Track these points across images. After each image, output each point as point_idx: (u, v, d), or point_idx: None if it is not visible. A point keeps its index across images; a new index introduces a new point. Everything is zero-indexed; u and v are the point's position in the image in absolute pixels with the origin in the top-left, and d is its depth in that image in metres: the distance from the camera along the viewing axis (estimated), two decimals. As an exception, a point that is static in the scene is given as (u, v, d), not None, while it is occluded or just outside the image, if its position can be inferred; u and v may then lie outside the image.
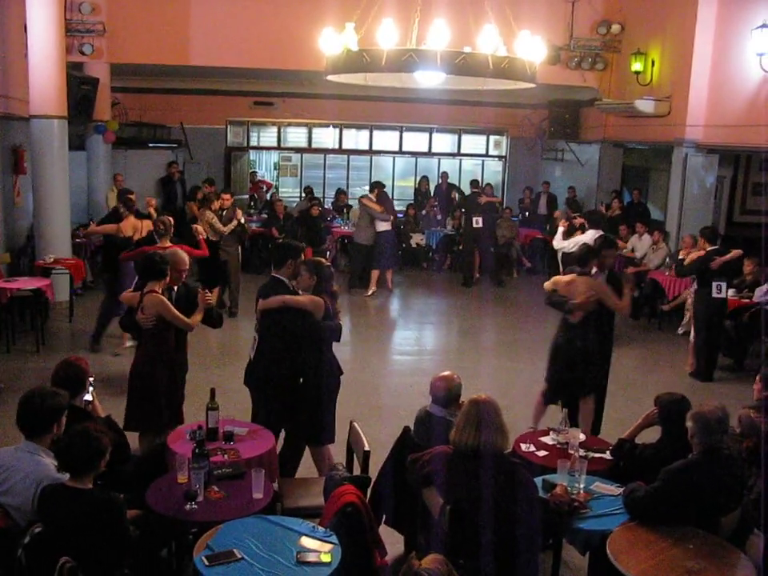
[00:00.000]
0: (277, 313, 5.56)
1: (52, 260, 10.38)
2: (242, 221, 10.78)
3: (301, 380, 5.71)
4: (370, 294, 12.99)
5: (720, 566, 3.78)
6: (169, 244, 7.70)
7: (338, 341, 5.88)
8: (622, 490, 4.40)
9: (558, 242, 10.56)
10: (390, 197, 14.04)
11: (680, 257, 10.61)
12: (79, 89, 11.78)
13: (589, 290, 6.51)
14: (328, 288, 5.79)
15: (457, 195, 16.50)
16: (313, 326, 5.57)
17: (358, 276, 13.24)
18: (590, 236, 10.02)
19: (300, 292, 5.67)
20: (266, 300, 5.62)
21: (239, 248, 11.23)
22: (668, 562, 3.77)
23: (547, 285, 6.97)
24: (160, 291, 5.68)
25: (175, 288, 5.97)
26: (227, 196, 10.87)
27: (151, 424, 5.65)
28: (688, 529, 4.03)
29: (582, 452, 4.94)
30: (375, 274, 13.04)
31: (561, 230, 10.56)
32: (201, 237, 8.78)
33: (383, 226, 12.85)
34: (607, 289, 6.63)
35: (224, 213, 10.61)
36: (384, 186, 13.50)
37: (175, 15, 12.53)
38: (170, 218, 8.21)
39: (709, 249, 9.13)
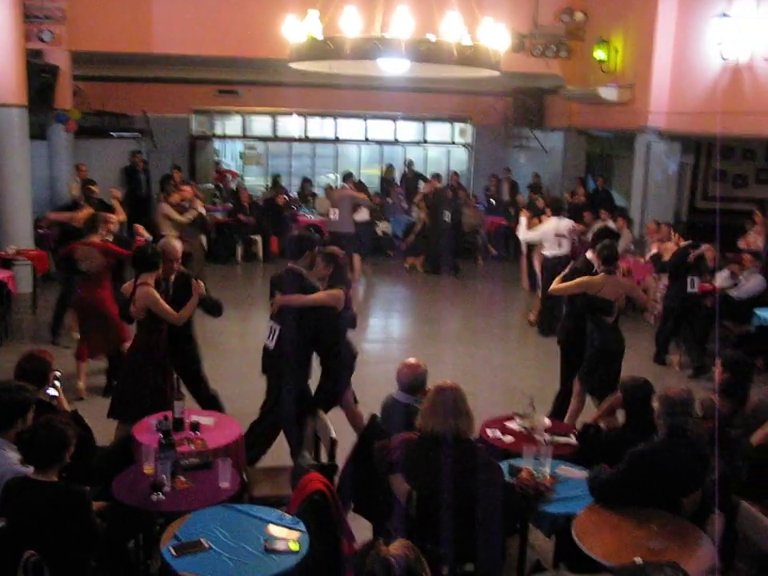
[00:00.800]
0: (297, 308, 5.71)
1: (14, 251, 10.22)
2: (203, 211, 10.70)
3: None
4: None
5: (682, 546, 3.85)
6: (96, 240, 7.46)
7: (354, 328, 6.05)
8: (586, 473, 4.46)
9: (523, 234, 10.61)
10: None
11: (653, 251, 10.75)
12: (39, 77, 11.55)
13: (622, 289, 6.62)
14: (343, 277, 5.95)
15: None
16: (331, 318, 5.72)
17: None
18: (553, 224, 10.11)
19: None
20: (286, 297, 5.74)
21: (202, 239, 11.15)
22: (632, 542, 3.83)
23: (564, 286, 6.76)
24: (153, 283, 5.74)
25: (172, 278, 6.05)
26: (187, 188, 10.78)
27: (134, 413, 5.56)
28: (651, 510, 4.10)
29: (547, 437, 5.00)
30: (358, 259, 13.06)
31: (523, 220, 10.59)
32: (139, 238, 8.22)
33: (362, 215, 12.96)
34: (635, 284, 6.65)
35: (184, 204, 10.50)
36: (350, 175, 13.69)
37: (137, 2, 12.34)
38: (109, 216, 7.99)
39: (683, 244, 9.24)
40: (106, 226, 7.74)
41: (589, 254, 6.99)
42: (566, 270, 6.91)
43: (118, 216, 9.02)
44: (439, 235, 13.89)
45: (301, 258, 5.82)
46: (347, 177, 13.36)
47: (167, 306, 5.74)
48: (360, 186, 13.26)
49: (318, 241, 6.30)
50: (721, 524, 4.22)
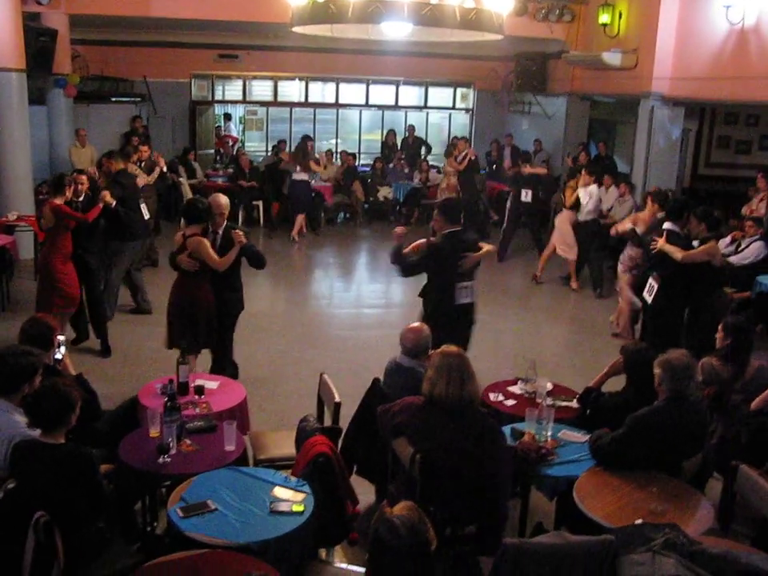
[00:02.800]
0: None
1: (15, 217, 10.21)
2: (164, 168, 10.63)
3: None
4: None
5: (681, 508, 3.90)
6: (58, 202, 7.27)
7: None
8: (588, 437, 4.51)
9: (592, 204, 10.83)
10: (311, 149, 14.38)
11: (628, 225, 10.75)
12: (37, 40, 11.43)
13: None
14: None
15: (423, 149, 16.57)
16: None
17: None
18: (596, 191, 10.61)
19: None
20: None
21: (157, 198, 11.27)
22: (632, 504, 3.89)
23: (694, 253, 6.78)
24: (200, 233, 6.16)
25: (219, 231, 6.40)
26: (145, 148, 10.71)
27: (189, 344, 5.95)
28: (652, 473, 4.15)
29: (549, 401, 5.04)
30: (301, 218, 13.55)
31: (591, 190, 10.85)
32: (101, 203, 7.80)
33: (300, 175, 13.38)
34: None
35: (142, 164, 10.39)
36: (310, 138, 14.34)
37: (136, -36, 12.20)
38: (80, 176, 7.86)
39: (660, 215, 9.21)
40: (75, 187, 7.59)
41: (667, 225, 6.99)
42: (662, 240, 6.86)
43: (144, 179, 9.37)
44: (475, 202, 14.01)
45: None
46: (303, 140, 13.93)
47: (213, 253, 6.10)
48: (298, 148, 13.81)
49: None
50: (720, 487, 4.28)
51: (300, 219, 13.48)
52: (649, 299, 6.95)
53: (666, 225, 7.04)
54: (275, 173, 14.15)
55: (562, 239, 11.01)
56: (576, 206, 10.94)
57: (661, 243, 6.81)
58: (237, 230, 6.26)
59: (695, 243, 7.06)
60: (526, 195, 12.11)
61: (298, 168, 13.39)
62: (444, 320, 6.00)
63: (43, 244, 7.79)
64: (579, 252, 10.99)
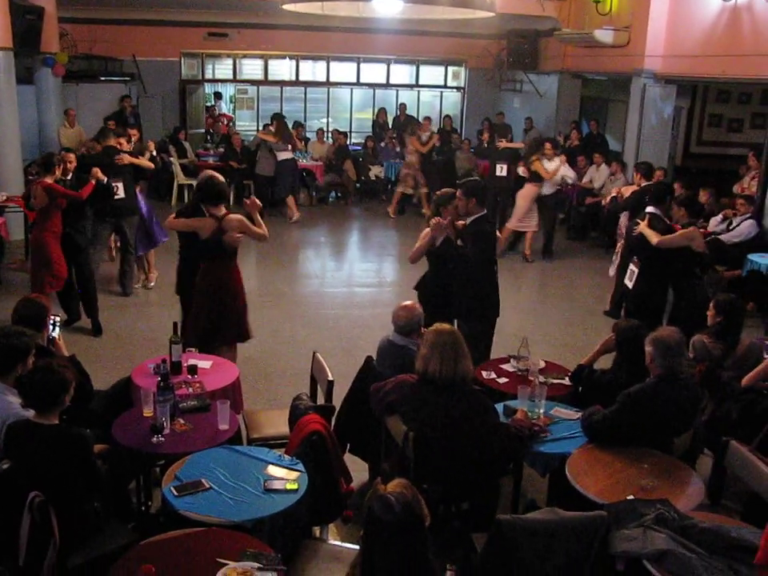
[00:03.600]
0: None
1: (4, 198, 10.13)
2: (154, 153, 10.45)
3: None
4: (294, 220, 13.30)
5: (672, 484, 3.93)
6: (48, 181, 7.27)
7: None
8: (580, 414, 4.53)
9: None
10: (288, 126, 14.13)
11: (612, 194, 11.05)
12: (23, 18, 11.29)
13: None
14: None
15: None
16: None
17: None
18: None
19: None
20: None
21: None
22: (624, 481, 3.91)
23: (671, 238, 6.71)
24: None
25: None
26: (134, 131, 10.53)
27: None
28: (643, 449, 4.18)
29: (541, 378, 5.06)
30: (291, 200, 13.41)
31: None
32: (93, 180, 7.79)
33: (283, 155, 13.22)
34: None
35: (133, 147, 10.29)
36: (284, 117, 13.97)
37: (123, -59, 12.07)
38: (68, 155, 7.86)
39: (643, 184, 9.25)
40: (63, 166, 7.60)
41: (650, 209, 7.01)
42: (644, 224, 6.84)
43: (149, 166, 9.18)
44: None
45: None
46: (272, 119, 13.61)
47: (255, 228, 5.97)
48: (281, 128, 13.44)
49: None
50: (710, 463, 4.32)
51: (291, 201, 13.41)
52: (630, 284, 6.97)
53: (649, 209, 7.06)
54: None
55: (517, 214, 11.21)
56: (538, 178, 11.02)
57: (642, 226, 6.83)
58: (250, 199, 6.17)
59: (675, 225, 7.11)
60: (501, 170, 12.15)
61: (289, 147, 13.31)
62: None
63: (33, 224, 7.75)
64: (542, 224, 11.27)
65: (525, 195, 11.18)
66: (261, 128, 15.92)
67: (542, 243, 11.52)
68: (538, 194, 11.09)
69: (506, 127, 15.09)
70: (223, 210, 5.92)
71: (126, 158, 8.64)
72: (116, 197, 8.52)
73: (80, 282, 7.85)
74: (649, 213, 6.96)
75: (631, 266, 6.99)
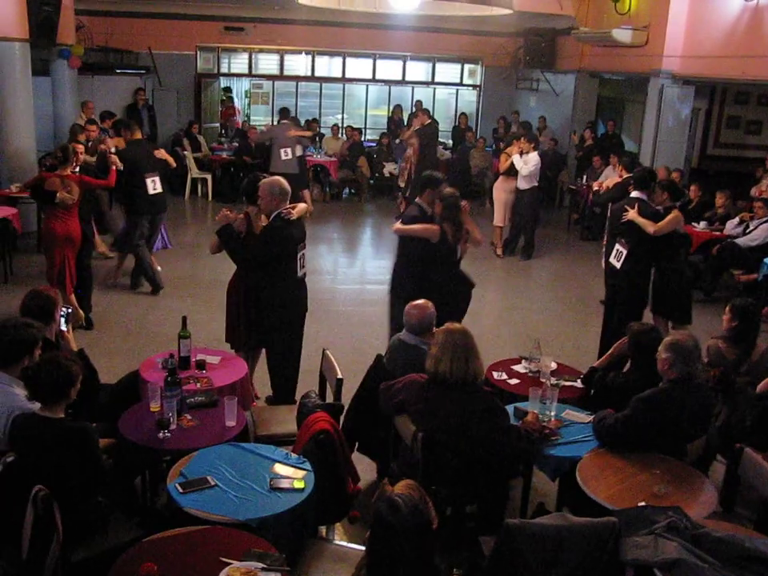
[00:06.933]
0: (401, 237, 6.45)
1: (18, 189, 10.13)
2: (112, 149, 10.00)
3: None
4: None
5: (685, 491, 3.87)
6: (68, 172, 7.34)
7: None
8: (592, 417, 4.47)
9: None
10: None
11: (594, 188, 11.31)
12: (40, 10, 11.26)
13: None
14: (451, 216, 6.22)
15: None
16: (430, 249, 6.17)
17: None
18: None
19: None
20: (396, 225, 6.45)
21: None
22: (635, 486, 3.85)
23: (662, 225, 6.85)
24: None
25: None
26: (93, 127, 10.29)
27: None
28: (655, 455, 4.12)
29: (553, 380, 5.00)
30: (308, 194, 13.24)
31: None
32: (113, 166, 8.00)
33: (299, 151, 13.04)
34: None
35: (89, 144, 10.15)
36: (289, 111, 13.78)
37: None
38: (76, 146, 7.79)
39: (625, 176, 9.30)
40: (77, 156, 7.61)
41: (636, 194, 7.02)
42: (634, 212, 6.87)
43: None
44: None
45: (423, 194, 6.47)
46: (285, 114, 13.26)
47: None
48: (297, 122, 13.55)
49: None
50: (723, 470, 4.25)
51: (307, 195, 13.32)
52: (617, 264, 6.99)
53: (635, 194, 7.05)
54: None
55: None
56: (510, 172, 11.02)
57: (632, 214, 6.82)
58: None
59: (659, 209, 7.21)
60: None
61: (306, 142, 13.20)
62: None
63: (45, 214, 7.72)
64: (516, 220, 11.29)
65: (496, 188, 11.34)
66: (275, 122, 15.86)
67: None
68: (512, 188, 11.11)
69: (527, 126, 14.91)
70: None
71: (163, 153, 8.69)
72: (153, 191, 8.70)
73: (78, 270, 7.62)
74: (638, 199, 6.94)
75: (618, 247, 7.05)
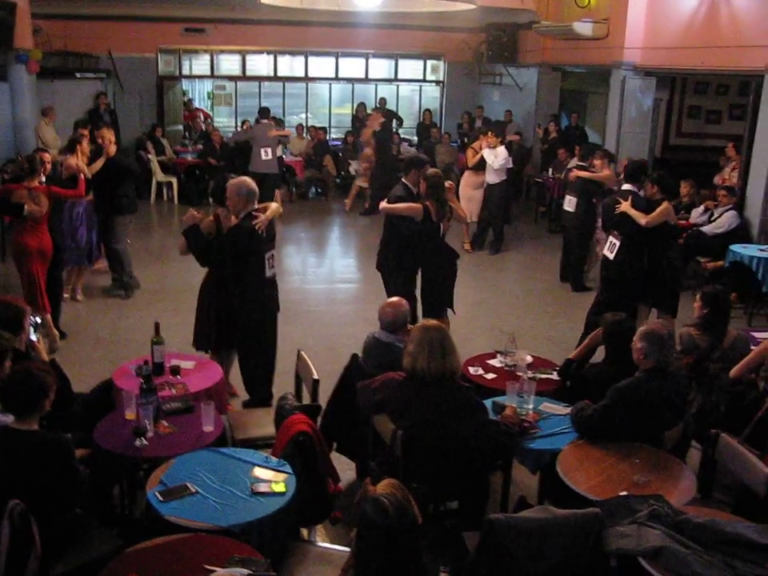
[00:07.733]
0: (387, 215, 6.76)
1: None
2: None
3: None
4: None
5: (664, 478, 3.90)
6: (36, 184, 7.07)
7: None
8: (569, 409, 4.49)
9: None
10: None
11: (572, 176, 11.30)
12: (-6, 14, 11.14)
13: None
14: (435, 194, 6.55)
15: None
16: (413, 226, 6.54)
17: None
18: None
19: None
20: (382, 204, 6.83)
21: None
22: (616, 476, 3.88)
23: (653, 217, 6.88)
24: None
25: None
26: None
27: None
28: (634, 444, 4.15)
29: (529, 373, 5.02)
30: (279, 194, 13.24)
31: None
32: (81, 175, 7.74)
33: (279, 152, 13.21)
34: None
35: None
36: (269, 111, 13.77)
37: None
38: (43, 156, 7.50)
39: (578, 164, 9.80)
40: (44, 166, 7.38)
41: (628, 186, 7.10)
42: (627, 204, 6.94)
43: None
44: (392, 170, 13.28)
45: (408, 174, 6.81)
46: (266, 113, 13.25)
47: None
48: (279, 122, 13.67)
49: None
50: (699, 456, 4.29)
51: (278, 195, 13.22)
52: (610, 255, 7.06)
53: (627, 186, 7.13)
54: (245, 148, 13.87)
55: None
56: (481, 166, 11.07)
57: (625, 206, 6.88)
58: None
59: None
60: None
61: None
62: None
63: (13, 227, 7.55)
64: (484, 215, 11.29)
65: (463, 184, 11.38)
66: (240, 124, 15.74)
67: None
68: (479, 183, 11.18)
69: (500, 124, 14.94)
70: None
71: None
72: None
73: (48, 280, 7.30)
74: (631, 192, 7.00)
75: (611, 239, 7.13)
